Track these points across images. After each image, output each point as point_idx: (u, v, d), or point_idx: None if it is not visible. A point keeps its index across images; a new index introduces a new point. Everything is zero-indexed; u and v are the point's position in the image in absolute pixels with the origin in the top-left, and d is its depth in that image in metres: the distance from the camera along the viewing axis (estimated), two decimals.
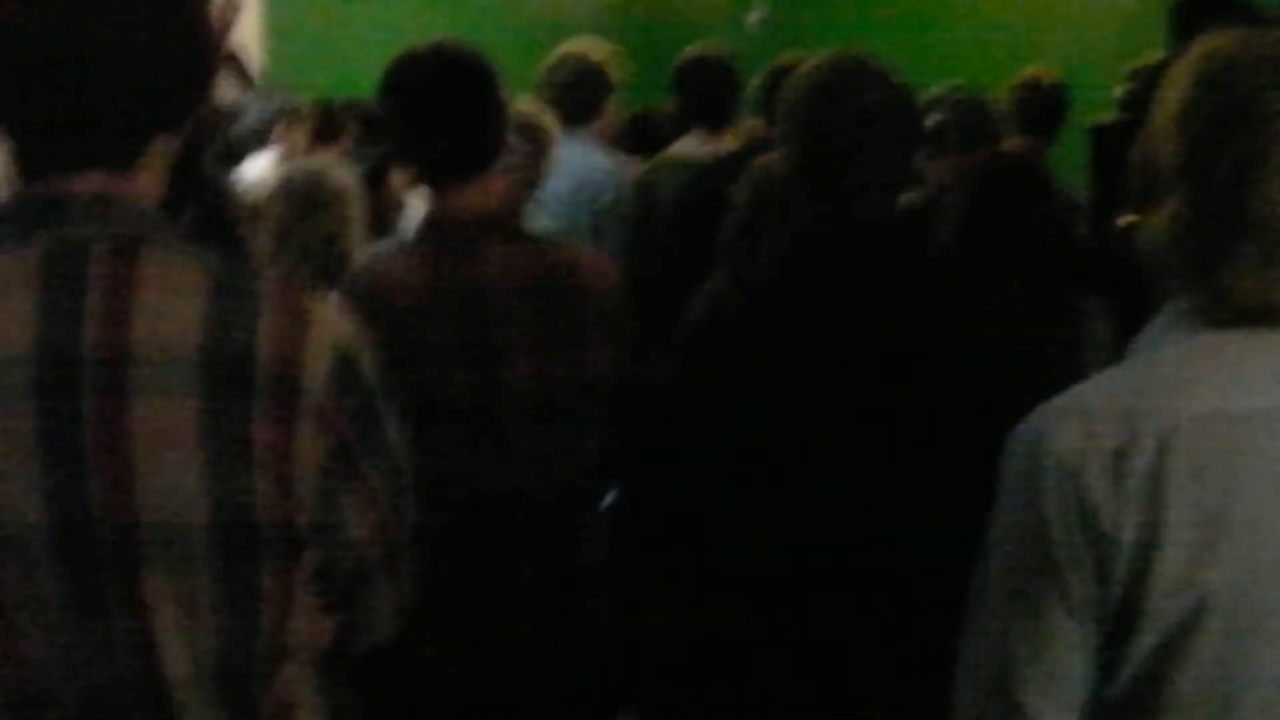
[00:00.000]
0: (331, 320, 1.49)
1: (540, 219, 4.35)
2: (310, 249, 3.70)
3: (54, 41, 1.39)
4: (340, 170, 3.99)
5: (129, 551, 1.40)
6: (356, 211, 3.93)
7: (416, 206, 4.64)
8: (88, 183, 1.43)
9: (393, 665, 1.85)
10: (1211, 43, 1.49)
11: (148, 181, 1.48)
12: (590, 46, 4.85)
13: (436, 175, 2.60)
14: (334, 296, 2.90)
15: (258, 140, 5.30)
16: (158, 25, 1.43)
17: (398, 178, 4.68)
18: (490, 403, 2.51)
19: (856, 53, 2.48)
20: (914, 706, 2.13)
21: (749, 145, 4.34)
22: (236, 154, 5.14)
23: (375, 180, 4.85)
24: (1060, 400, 1.48)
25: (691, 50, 4.89)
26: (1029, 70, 5.40)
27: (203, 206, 1.61)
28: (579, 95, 4.72)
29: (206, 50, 1.52)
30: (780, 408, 2.37)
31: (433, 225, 2.61)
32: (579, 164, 4.54)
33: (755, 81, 4.66)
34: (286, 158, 5.26)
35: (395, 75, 2.62)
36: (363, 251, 4.12)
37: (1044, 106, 5.25)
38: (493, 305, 2.52)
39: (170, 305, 1.40)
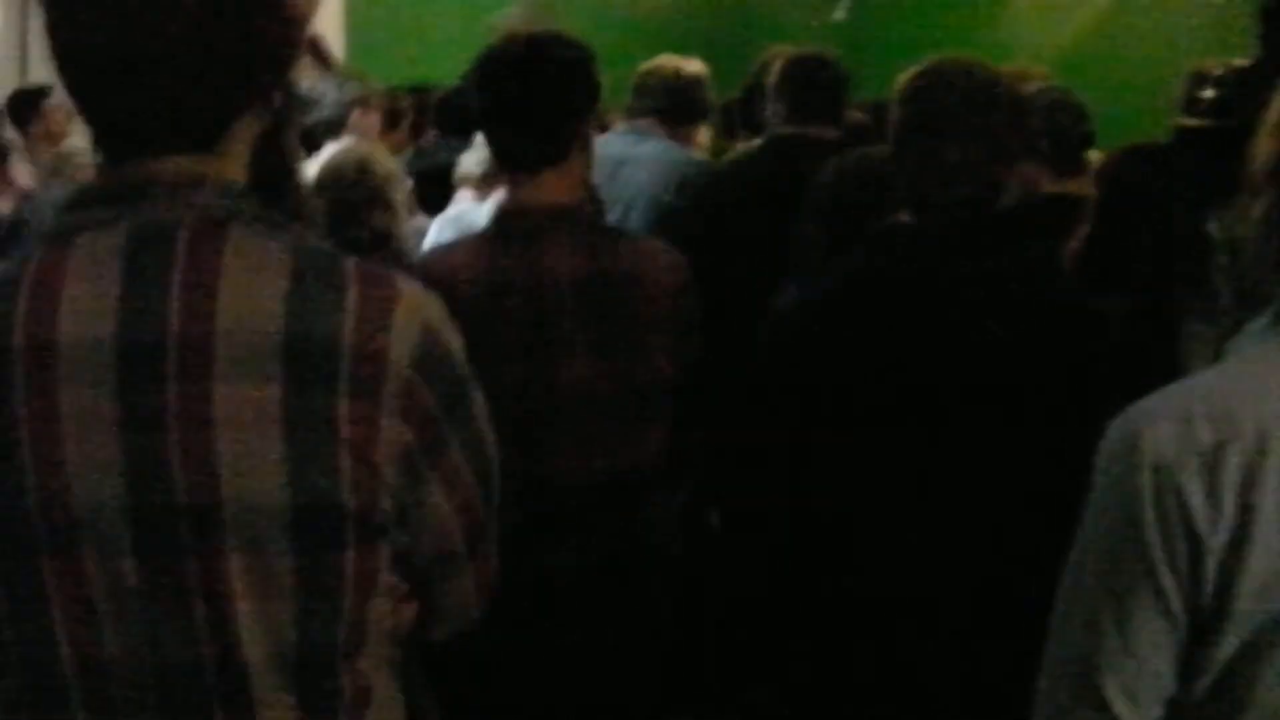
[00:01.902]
0: (418, 300, 1.47)
1: (632, 213, 4.36)
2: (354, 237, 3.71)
3: (136, 21, 1.37)
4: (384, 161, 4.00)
5: (209, 535, 1.38)
6: (400, 197, 3.94)
7: (464, 197, 4.68)
8: (171, 164, 1.42)
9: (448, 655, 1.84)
10: None
11: (231, 163, 1.46)
12: (689, 64, 4.85)
13: (510, 166, 2.62)
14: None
15: (333, 128, 5.32)
16: (242, 3, 1.41)
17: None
18: (543, 396, 2.50)
19: (964, 56, 2.51)
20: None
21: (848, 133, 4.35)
22: (313, 141, 5.17)
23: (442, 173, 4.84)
24: (1156, 400, 1.47)
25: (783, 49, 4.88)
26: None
27: (275, 191, 1.59)
28: (677, 104, 4.73)
29: (290, 29, 1.49)
30: (874, 406, 2.37)
31: (502, 217, 2.63)
32: (670, 157, 4.54)
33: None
34: (359, 145, 5.30)
35: (480, 65, 2.63)
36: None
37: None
38: (550, 299, 2.52)
39: (255, 287, 1.39)
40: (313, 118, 5.28)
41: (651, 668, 2.68)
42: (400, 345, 1.42)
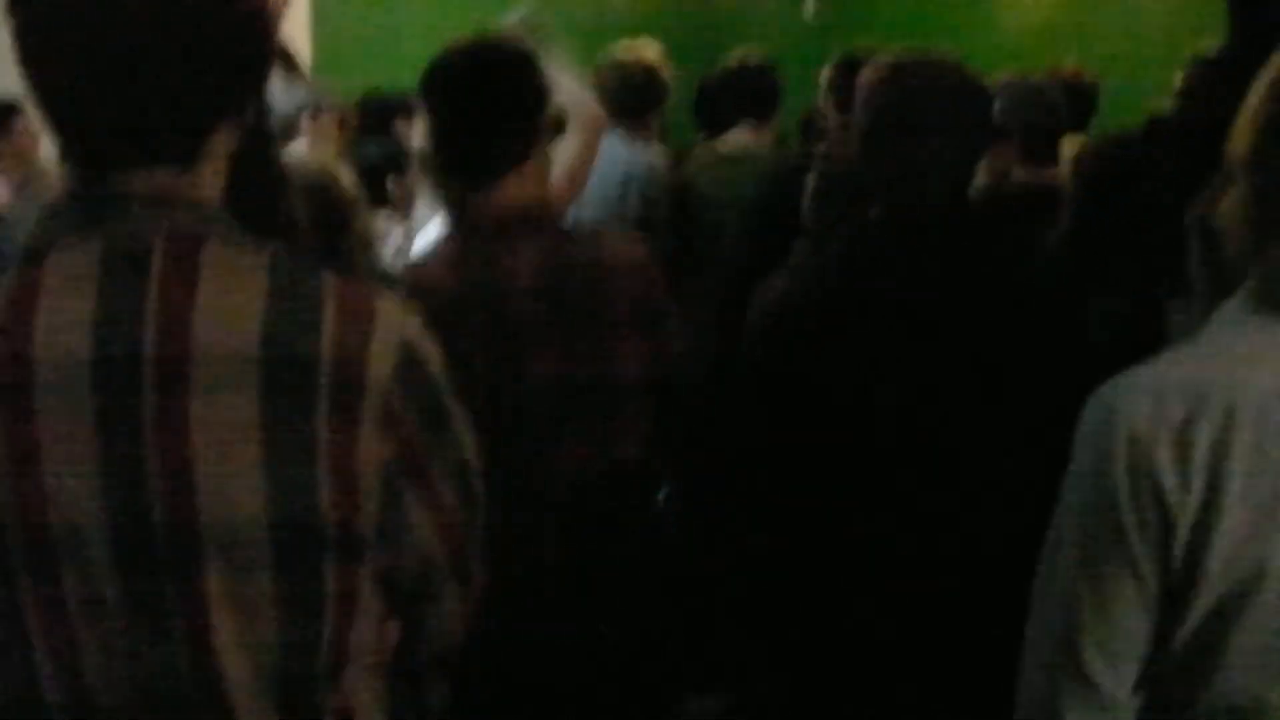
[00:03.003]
0: (397, 317, 1.46)
1: (582, 213, 4.36)
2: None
3: (109, 34, 1.35)
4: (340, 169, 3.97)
5: (188, 552, 1.36)
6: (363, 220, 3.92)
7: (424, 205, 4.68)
8: (148, 179, 1.40)
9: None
10: None
11: (209, 175, 1.44)
12: (644, 48, 4.87)
13: (467, 174, 2.58)
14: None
15: (284, 133, 5.29)
16: (216, 14, 1.39)
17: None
18: (513, 399, 2.48)
19: (928, 47, 2.51)
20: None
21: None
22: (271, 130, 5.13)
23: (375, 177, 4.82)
24: (1132, 374, 1.53)
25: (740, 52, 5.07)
26: (1068, 68, 5.44)
27: (261, 200, 1.57)
28: (634, 96, 4.73)
29: (264, 41, 1.48)
30: (853, 400, 2.36)
31: (462, 223, 2.61)
32: (625, 160, 4.54)
33: (826, 72, 4.72)
34: (313, 151, 5.27)
35: (428, 73, 2.61)
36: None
37: (1079, 104, 5.27)
38: (513, 303, 2.50)
39: (232, 303, 1.37)
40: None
41: (647, 661, 2.66)
42: (379, 360, 1.41)
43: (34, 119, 6.45)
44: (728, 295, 3.64)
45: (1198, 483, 1.43)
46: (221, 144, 1.45)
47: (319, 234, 3.71)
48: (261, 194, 1.57)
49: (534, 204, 2.58)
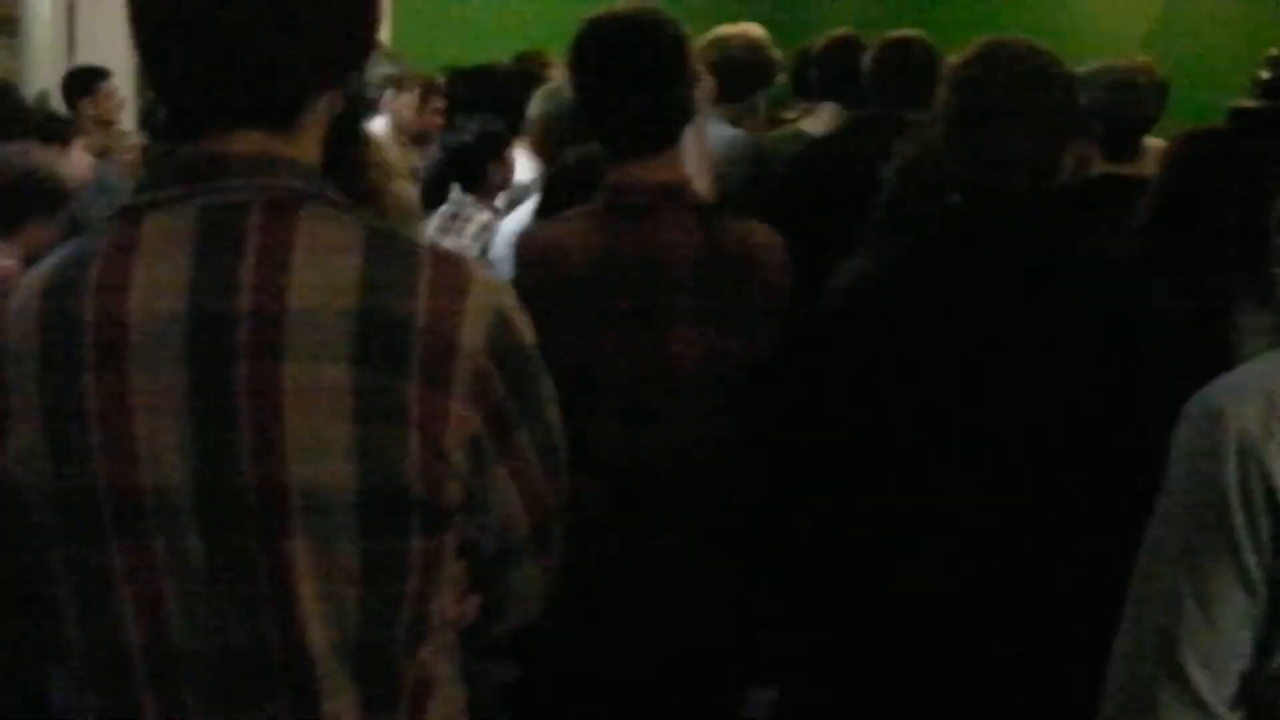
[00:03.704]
0: (489, 284, 1.46)
1: None
2: None
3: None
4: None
5: (275, 516, 1.38)
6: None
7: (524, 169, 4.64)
8: (247, 141, 1.41)
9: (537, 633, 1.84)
10: None
11: (307, 141, 1.45)
12: (748, 28, 4.83)
13: (622, 146, 2.59)
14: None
15: (366, 107, 5.30)
16: None
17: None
18: (656, 371, 2.50)
19: (1015, 36, 2.46)
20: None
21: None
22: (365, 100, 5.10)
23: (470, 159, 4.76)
24: (1238, 376, 1.50)
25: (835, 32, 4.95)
26: (1137, 61, 5.35)
27: (348, 170, 1.59)
28: (737, 76, 4.70)
29: (371, 12, 1.49)
30: (924, 390, 2.34)
31: (613, 193, 2.60)
32: (727, 141, 4.53)
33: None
34: (395, 126, 5.27)
35: (584, 42, 2.61)
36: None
37: (1150, 92, 5.19)
38: (665, 275, 2.52)
39: (327, 267, 1.38)
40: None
41: (735, 646, 2.67)
42: (473, 330, 1.41)
43: (121, 85, 6.54)
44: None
45: None
46: (321, 111, 1.46)
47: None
48: (349, 164, 1.58)
49: (684, 181, 2.60)
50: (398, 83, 5.37)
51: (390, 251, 1.41)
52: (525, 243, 2.65)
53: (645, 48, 2.54)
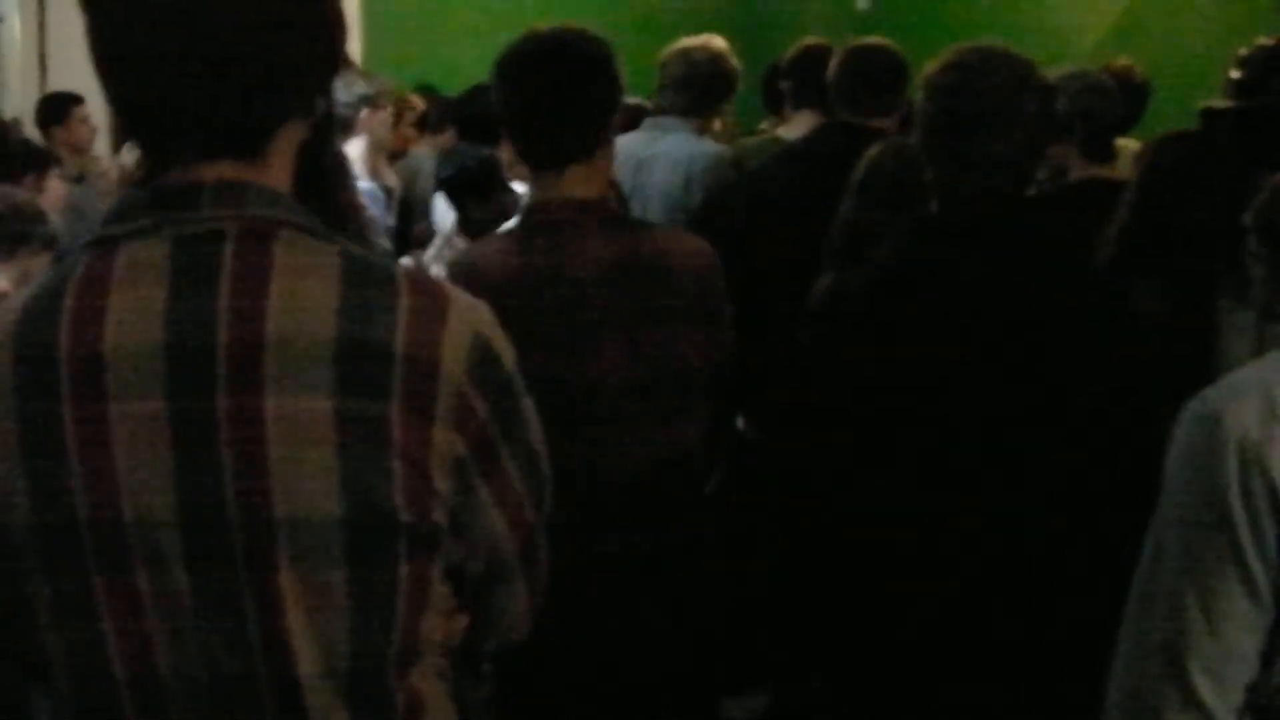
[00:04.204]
0: (469, 308, 1.45)
1: (649, 211, 4.36)
2: None
3: (181, 24, 1.35)
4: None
5: (262, 546, 1.36)
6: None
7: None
8: (218, 170, 1.39)
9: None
10: None
11: (276, 170, 1.44)
12: (710, 39, 4.83)
13: (537, 162, 2.61)
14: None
15: (343, 128, 5.28)
16: (288, 9, 1.40)
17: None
18: (579, 388, 2.50)
19: (991, 43, 2.48)
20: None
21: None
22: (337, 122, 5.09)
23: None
24: (1235, 378, 1.47)
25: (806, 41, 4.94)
26: (1119, 63, 5.37)
27: (322, 194, 1.58)
28: (700, 88, 4.69)
29: (335, 36, 1.48)
30: (903, 395, 2.36)
31: (529, 212, 2.64)
32: (689, 154, 4.53)
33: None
34: (372, 145, 5.27)
35: (503, 62, 2.62)
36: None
37: (1133, 100, 5.21)
38: (579, 290, 2.52)
39: (305, 294, 1.37)
40: None
41: (701, 653, 2.67)
42: (453, 354, 1.40)
43: (94, 111, 6.52)
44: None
45: None
46: (290, 138, 1.45)
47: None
48: (323, 187, 1.57)
49: (601, 197, 2.61)
50: (373, 101, 5.35)
51: (367, 278, 1.40)
52: (452, 269, 2.68)
53: (562, 63, 2.56)
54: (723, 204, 4.25)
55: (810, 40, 4.94)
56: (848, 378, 2.42)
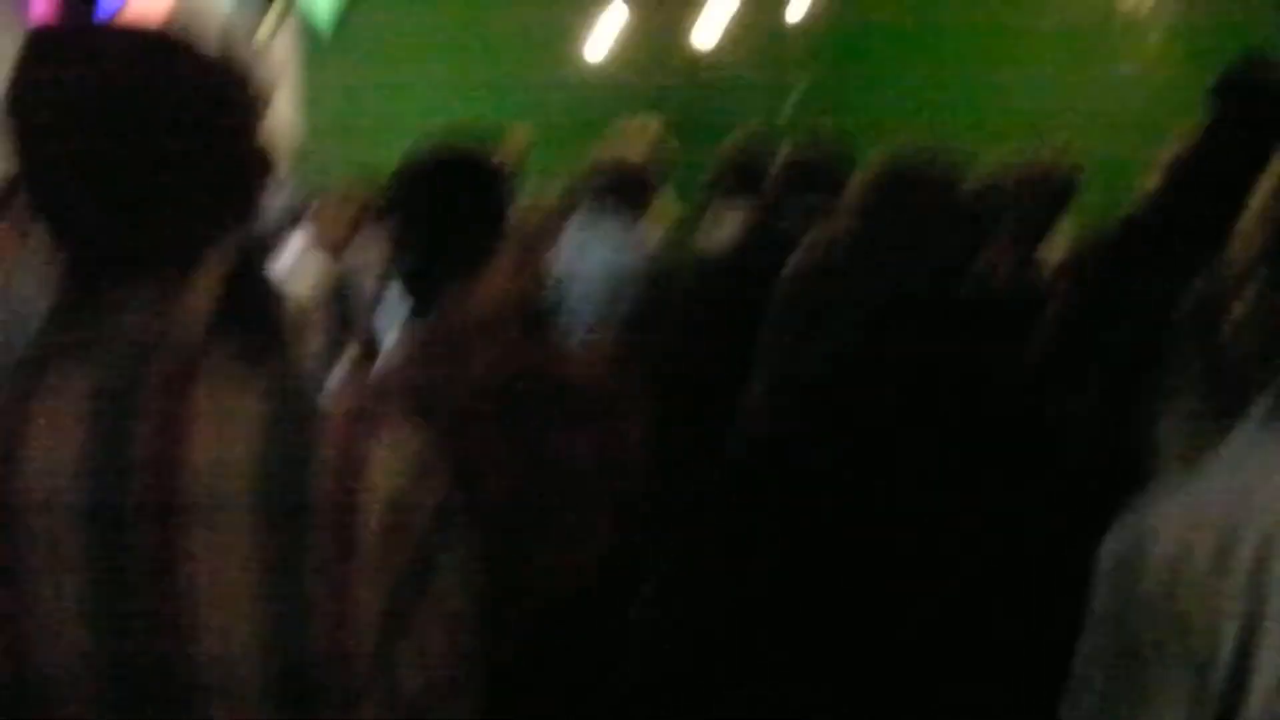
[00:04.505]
0: (398, 438, 1.43)
1: (576, 307, 4.36)
2: None
3: (107, 142, 1.34)
4: None
5: (182, 691, 1.33)
6: None
7: None
8: (142, 291, 1.38)
9: None
10: None
11: (204, 288, 1.42)
12: (643, 128, 4.85)
13: (427, 279, 2.61)
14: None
15: (288, 224, 5.27)
16: (214, 122, 1.39)
17: None
18: (471, 507, 2.47)
19: (919, 149, 2.49)
20: None
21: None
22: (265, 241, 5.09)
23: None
24: (1161, 494, 1.46)
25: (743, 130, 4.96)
26: (1049, 150, 5.43)
27: (255, 313, 1.56)
28: (627, 186, 4.71)
29: (265, 152, 1.47)
30: (833, 496, 2.34)
31: (431, 325, 2.63)
32: (616, 248, 4.55)
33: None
34: (317, 244, 5.24)
35: (393, 177, 2.66)
36: None
37: (1056, 190, 5.27)
38: (472, 405, 2.50)
39: (228, 418, 1.34)
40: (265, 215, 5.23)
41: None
42: (378, 486, 1.37)
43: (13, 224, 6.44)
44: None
45: (1235, 612, 1.35)
46: (218, 256, 1.44)
47: None
48: (253, 304, 1.55)
49: (498, 307, 2.61)
50: (319, 194, 5.34)
51: (293, 405, 1.38)
52: (371, 383, 2.72)
53: (446, 183, 2.59)
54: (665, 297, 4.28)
55: (746, 130, 4.97)
56: (779, 480, 2.41)
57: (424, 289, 2.62)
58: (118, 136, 1.34)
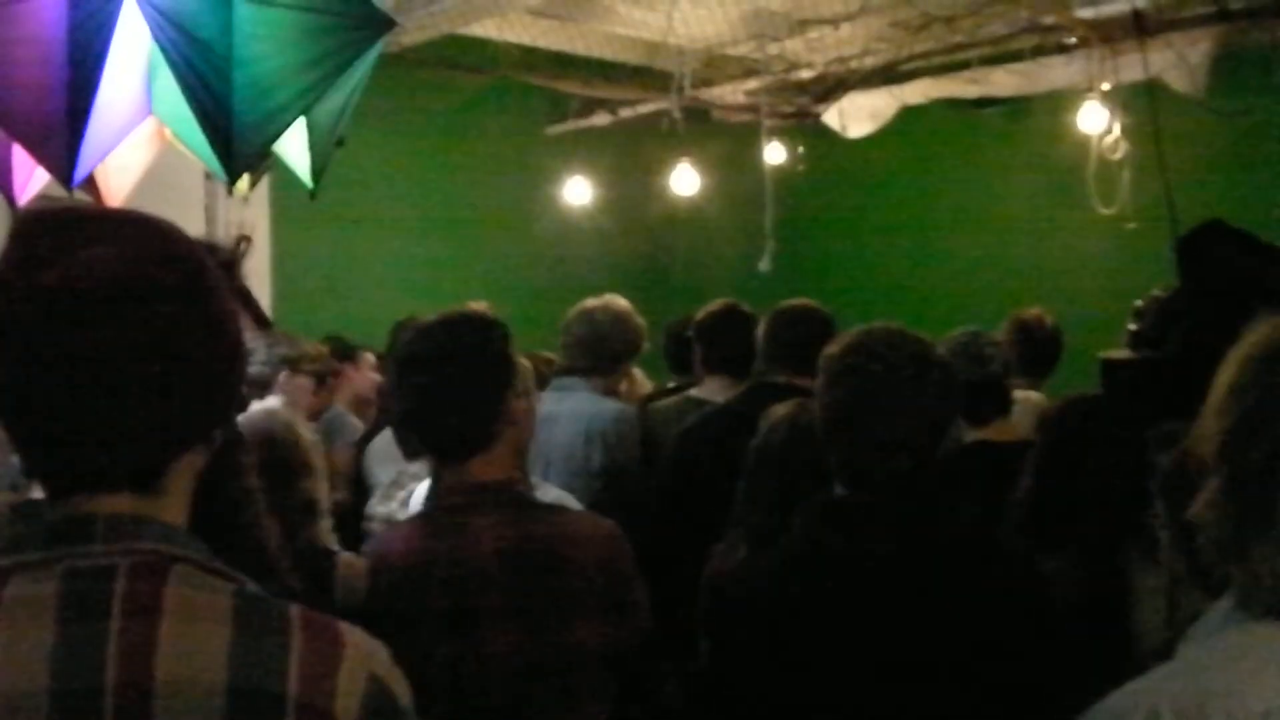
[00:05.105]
0: (364, 650, 1.42)
1: (552, 470, 4.34)
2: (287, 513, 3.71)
3: (72, 360, 1.34)
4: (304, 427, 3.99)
5: None
6: (321, 464, 3.92)
7: None
8: (112, 504, 1.38)
9: None
10: (1265, 328, 1.50)
11: (172, 503, 1.42)
12: (613, 300, 4.88)
13: (445, 451, 2.63)
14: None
15: (260, 387, 5.25)
16: (185, 343, 1.38)
17: None
18: (473, 669, 2.48)
19: (889, 324, 2.52)
20: None
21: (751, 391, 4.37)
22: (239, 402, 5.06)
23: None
24: (1121, 699, 1.45)
25: (714, 304, 4.95)
26: (1029, 311, 5.45)
27: (222, 527, 1.55)
28: (602, 348, 4.72)
29: (233, 367, 1.47)
30: (829, 674, 2.34)
31: (431, 496, 2.66)
32: (590, 413, 4.54)
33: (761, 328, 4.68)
34: (290, 406, 5.22)
35: (399, 349, 2.67)
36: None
37: (1042, 348, 5.29)
38: (475, 573, 2.51)
39: (196, 637, 1.33)
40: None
41: None
42: (347, 700, 1.36)
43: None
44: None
45: None
46: (188, 468, 1.44)
47: (283, 475, 3.73)
48: (223, 519, 1.54)
49: (505, 479, 2.61)
50: (293, 363, 5.32)
51: (260, 619, 1.37)
52: (369, 552, 2.71)
53: (448, 359, 2.60)
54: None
55: (716, 304, 4.98)
56: (758, 667, 2.38)
57: (437, 457, 2.63)
58: (88, 357, 1.34)
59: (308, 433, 4.00)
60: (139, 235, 1.40)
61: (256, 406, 5.12)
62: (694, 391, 4.91)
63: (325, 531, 4.00)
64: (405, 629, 2.43)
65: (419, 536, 2.59)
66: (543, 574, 2.53)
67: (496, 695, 2.48)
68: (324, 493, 3.98)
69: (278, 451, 3.75)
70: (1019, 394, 4.57)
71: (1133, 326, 4.40)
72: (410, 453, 4.36)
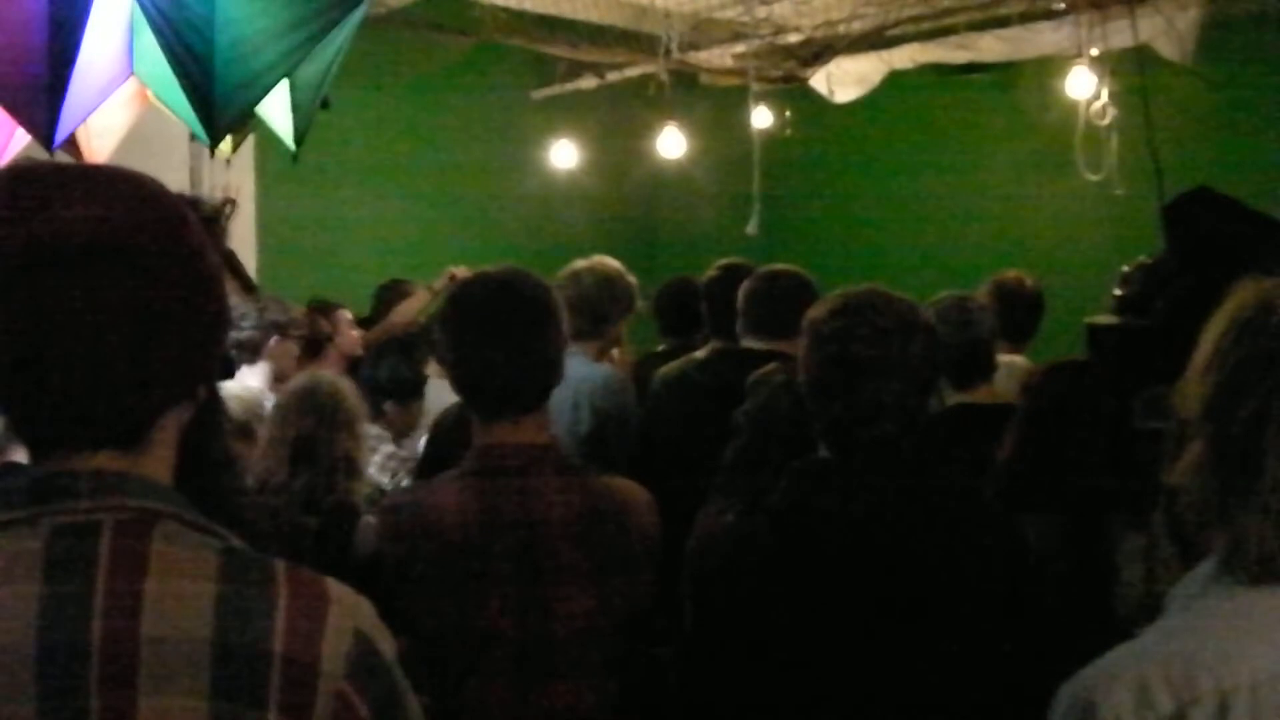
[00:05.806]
0: (350, 606, 1.42)
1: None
2: (325, 465, 3.76)
3: (56, 319, 1.33)
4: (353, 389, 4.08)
5: None
6: (362, 427, 3.98)
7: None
8: (97, 460, 1.37)
9: None
10: (1250, 290, 1.49)
11: (156, 460, 1.42)
12: (603, 260, 4.86)
13: (490, 414, 2.59)
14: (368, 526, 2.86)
15: (249, 350, 5.24)
16: (167, 298, 1.37)
17: None
18: (542, 629, 2.48)
19: (874, 287, 2.51)
20: None
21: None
22: (227, 363, 5.05)
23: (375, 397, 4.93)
24: (1108, 664, 1.44)
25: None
26: (1009, 274, 5.44)
27: (205, 484, 1.54)
28: (587, 313, 4.70)
29: (216, 326, 1.46)
30: (806, 640, 2.35)
31: (484, 455, 2.59)
32: (578, 376, 4.52)
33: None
34: (278, 373, 5.22)
35: (453, 306, 2.63)
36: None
37: (1024, 311, 5.28)
38: (545, 535, 2.50)
39: (181, 593, 1.33)
40: (230, 339, 5.20)
41: None
42: (333, 654, 1.36)
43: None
44: None
45: None
46: (172, 425, 1.43)
47: (320, 438, 3.78)
48: (207, 476, 1.54)
49: (552, 442, 2.62)
50: (282, 329, 5.31)
51: (246, 574, 1.37)
52: (393, 512, 2.62)
53: (513, 311, 2.56)
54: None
55: (726, 261, 4.97)
56: (757, 629, 2.39)
57: (493, 413, 2.60)
58: (70, 313, 1.33)
59: (354, 396, 4.08)
60: (122, 191, 1.39)
61: (245, 370, 5.15)
62: (700, 354, 4.87)
63: (358, 491, 4.04)
64: (468, 591, 2.44)
65: (477, 493, 2.54)
66: (612, 534, 2.54)
67: (563, 655, 2.48)
68: (363, 453, 4.06)
69: (321, 404, 3.83)
70: (1003, 358, 4.57)
71: (1118, 292, 4.40)
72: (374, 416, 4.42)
